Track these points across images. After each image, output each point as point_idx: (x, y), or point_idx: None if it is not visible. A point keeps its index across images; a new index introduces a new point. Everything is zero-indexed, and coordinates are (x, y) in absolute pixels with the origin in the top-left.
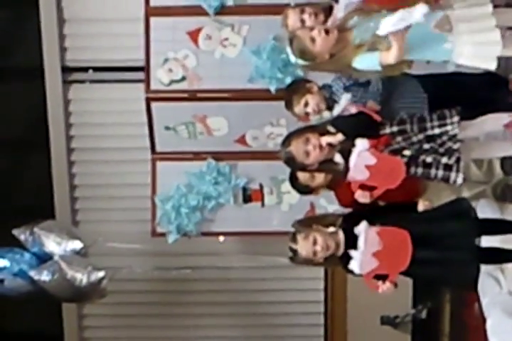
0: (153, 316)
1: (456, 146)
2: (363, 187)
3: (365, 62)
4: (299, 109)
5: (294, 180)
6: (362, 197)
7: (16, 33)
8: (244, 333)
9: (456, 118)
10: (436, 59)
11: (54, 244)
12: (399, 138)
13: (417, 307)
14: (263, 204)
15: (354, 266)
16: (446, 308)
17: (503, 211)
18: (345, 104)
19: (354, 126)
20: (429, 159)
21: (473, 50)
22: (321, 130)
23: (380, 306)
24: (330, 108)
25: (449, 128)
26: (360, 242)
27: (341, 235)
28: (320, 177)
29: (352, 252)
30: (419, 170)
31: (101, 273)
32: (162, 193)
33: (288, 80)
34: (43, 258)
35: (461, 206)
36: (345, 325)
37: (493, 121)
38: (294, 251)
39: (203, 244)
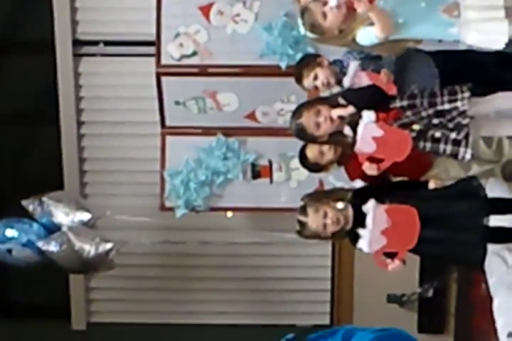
0: (160, 290)
1: (465, 122)
2: (371, 159)
3: (365, 37)
4: (308, 81)
5: (303, 159)
6: (369, 169)
7: (27, 6)
8: (250, 309)
9: (466, 94)
10: (444, 38)
11: (62, 215)
12: (408, 113)
13: (423, 286)
14: (271, 181)
15: (363, 244)
16: (452, 287)
17: None
18: (354, 71)
19: (365, 99)
20: (437, 134)
21: (480, 36)
22: (331, 102)
23: (387, 284)
24: (340, 83)
25: (459, 104)
26: (369, 220)
27: (350, 210)
28: (329, 154)
29: (360, 230)
30: (428, 145)
31: (109, 245)
32: (171, 168)
33: (299, 57)
34: (52, 229)
35: (470, 185)
36: (352, 302)
37: (504, 99)
38: (303, 225)
39: (211, 219)
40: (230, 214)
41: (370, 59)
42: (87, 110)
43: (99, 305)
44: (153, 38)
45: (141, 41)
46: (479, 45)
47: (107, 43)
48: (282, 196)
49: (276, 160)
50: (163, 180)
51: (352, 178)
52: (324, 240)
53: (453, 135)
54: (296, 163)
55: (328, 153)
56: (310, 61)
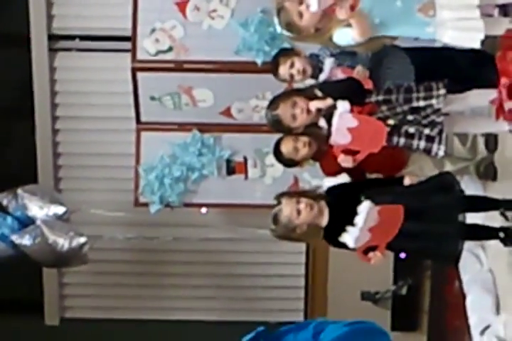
0: (134, 286)
1: (439, 119)
2: (346, 151)
3: (342, 37)
4: (284, 69)
5: (278, 154)
6: (345, 161)
7: (2, 0)
8: (224, 305)
9: (442, 91)
10: (421, 37)
11: (37, 208)
12: (383, 108)
13: (397, 283)
14: (246, 177)
15: (348, 239)
16: (426, 285)
17: (486, 189)
18: (329, 67)
19: (342, 91)
20: (411, 130)
21: (456, 34)
22: (308, 94)
23: (361, 282)
24: (316, 77)
25: (434, 101)
26: (360, 219)
27: (325, 206)
28: (304, 150)
29: (349, 228)
30: (402, 140)
31: (82, 239)
32: (146, 163)
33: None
34: (26, 223)
35: (446, 180)
36: (326, 300)
37: (479, 97)
38: (276, 218)
39: (186, 214)
40: (204, 210)
41: (345, 54)
42: (62, 105)
43: (73, 301)
44: (129, 33)
45: (117, 36)
46: (455, 43)
47: (83, 38)
48: (257, 192)
49: (252, 156)
50: (137, 175)
51: (327, 174)
52: (296, 239)
53: (427, 131)
54: (271, 159)
55: (303, 149)
56: (288, 51)
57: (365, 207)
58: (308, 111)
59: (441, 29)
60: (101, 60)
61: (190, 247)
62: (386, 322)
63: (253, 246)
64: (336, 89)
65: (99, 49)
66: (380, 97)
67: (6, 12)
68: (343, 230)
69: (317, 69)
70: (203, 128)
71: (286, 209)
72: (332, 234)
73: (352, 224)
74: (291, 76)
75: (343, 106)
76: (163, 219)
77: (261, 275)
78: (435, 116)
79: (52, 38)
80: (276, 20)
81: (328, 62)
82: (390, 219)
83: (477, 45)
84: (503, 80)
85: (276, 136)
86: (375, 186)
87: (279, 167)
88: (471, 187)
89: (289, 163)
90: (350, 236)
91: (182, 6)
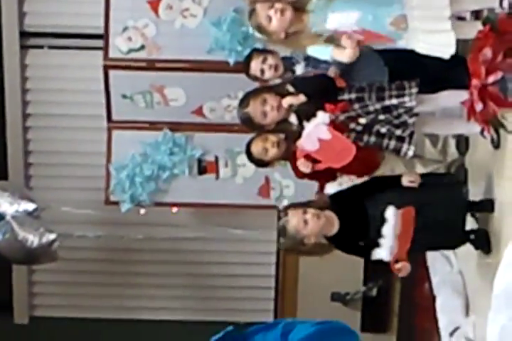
0: (104, 285)
1: (411, 120)
2: (307, 157)
3: (319, 53)
4: (256, 63)
5: (249, 154)
6: (303, 166)
7: None
8: (194, 305)
9: (414, 90)
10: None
11: (7, 204)
12: (356, 106)
13: (367, 284)
14: (217, 177)
15: (383, 254)
16: (396, 286)
17: None
18: (301, 73)
19: (314, 87)
20: (383, 129)
21: (427, 46)
22: (279, 90)
23: (331, 283)
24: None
25: (406, 99)
26: (389, 228)
27: (334, 216)
28: (272, 151)
29: (381, 240)
30: (372, 139)
31: (52, 236)
32: (117, 162)
33: (247, 53)
34: None
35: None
36: (296, 300)
37: (450, 98)
38: (283, 228)
39: (156, 214)
40: (175, 209)
41: None
42: (33, 102)
43: (42, 299)
44: (101, 31)
45: (89, 34)
46: (427, 53)
47: (55, 35)
48: (228, 192)
49: (223, 156)
50: (108, 174)
51: (297, 175)
52: (307, 252)
53: (398, 132)
54: (242, 159)
55: (272, 149)
56: (263, 49)
57: (392, 214)
58: (279, 108)
59: (412, 41)
60: (73, 58)
61: (160, 246)
62: (356, 324)
63: (223, 246)
64: (308, 85)
65: (71, 46)
66: (353, 95)
67: None
68: (358, 239)
69: (289, 72)
70: (175, 127)
71: (293, 219)
72: (344, 241)
73: (369, 232)
74: (262, 71)
75: (323, 117)
76: (133, 218)
77: (231, 275)
78: (407, 116)
79: (24, 35)
80: (248, 21)
81: (299, 69)
82: (407, 222)
83: (447, 57)
84: (474, 82)
85: (248, 136)
86: (375, 189)
87: (251, 167)
88: None
89: (259, 163)
90: (384, 250)
91: (154, 5)
